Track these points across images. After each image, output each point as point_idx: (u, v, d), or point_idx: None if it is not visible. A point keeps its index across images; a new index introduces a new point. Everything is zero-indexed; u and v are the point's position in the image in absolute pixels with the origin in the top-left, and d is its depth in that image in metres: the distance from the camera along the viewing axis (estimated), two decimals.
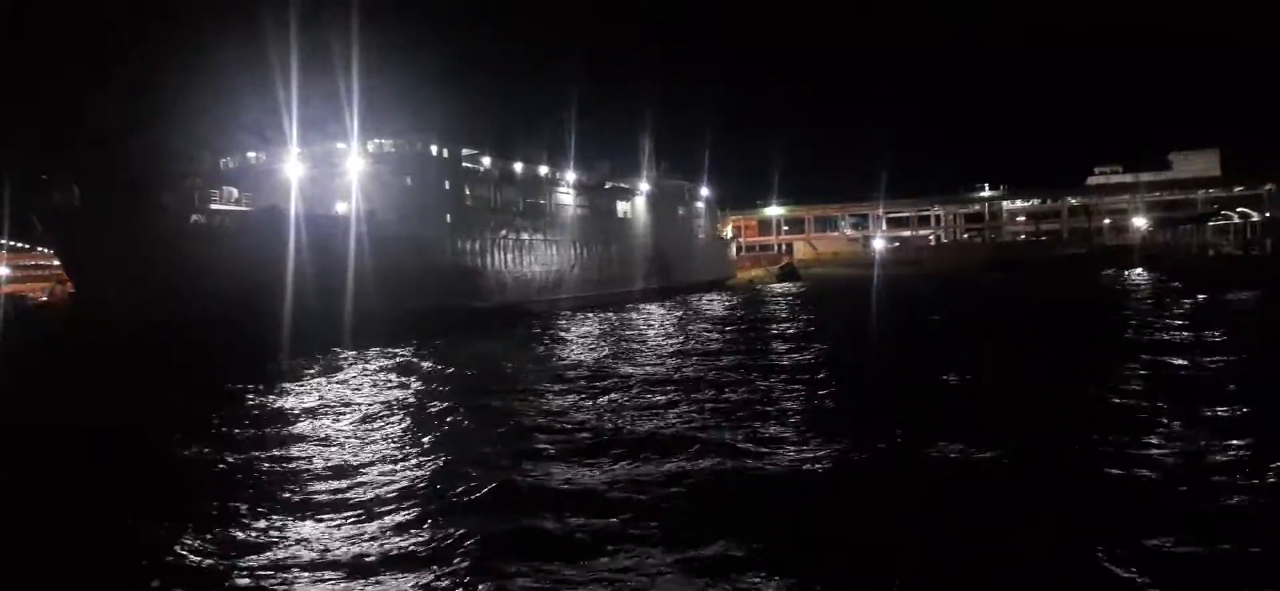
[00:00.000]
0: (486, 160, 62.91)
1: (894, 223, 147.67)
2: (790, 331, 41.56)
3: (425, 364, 31.72)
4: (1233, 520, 11.62)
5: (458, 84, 68.38)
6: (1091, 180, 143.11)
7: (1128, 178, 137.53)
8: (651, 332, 43.76)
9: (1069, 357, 28.42)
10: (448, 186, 57.35)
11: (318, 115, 52.48)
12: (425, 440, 18.25)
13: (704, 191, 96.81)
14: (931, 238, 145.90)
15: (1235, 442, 15.30)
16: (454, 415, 20.80)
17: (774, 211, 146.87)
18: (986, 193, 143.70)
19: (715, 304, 66.56)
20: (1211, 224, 78.82)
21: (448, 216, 56.62)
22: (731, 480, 14.37)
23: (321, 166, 54.61)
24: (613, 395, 23.33)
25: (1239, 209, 77.89)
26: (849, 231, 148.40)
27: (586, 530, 11.99)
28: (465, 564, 10.85)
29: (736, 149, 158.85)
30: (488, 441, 17.80)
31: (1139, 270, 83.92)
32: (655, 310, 61.35)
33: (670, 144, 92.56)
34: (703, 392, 23.27)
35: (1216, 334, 31.70)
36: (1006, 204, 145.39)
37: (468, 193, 59.62)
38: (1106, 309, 48.13)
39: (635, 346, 36.70)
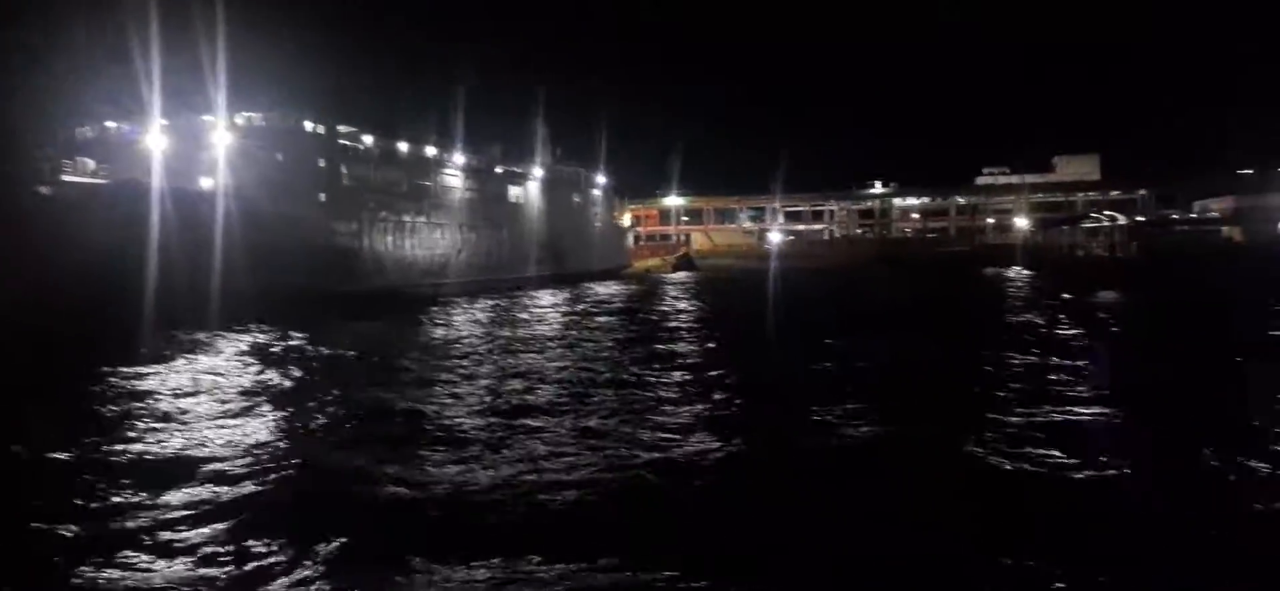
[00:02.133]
0: (367, 139, 60.87)
1: (790, 216, 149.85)
2: (683, 319, 41.49)
3: (293, 347, 30.24)
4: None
5: (342, 61, 65.91)
6: (980, 180, 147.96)
7: (1014, 179, 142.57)
8: (540, 320, 42.73)
9: (944, 350, 29.00)
10: (322, 164, 55.24)
11: (183, 85, 49.98)
12: (288, 429, 17.19)
13: (601, 179, 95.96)
14: (826, 232, 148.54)
15: (1077, 432, 16.26)
16: (317, 404, 19.73)
17: (673, 202, 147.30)
18: (879, 189, 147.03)
19: (610, 292, 65.89)
20: (1084, 226, 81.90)
21: (322, 195, 54.55)
22: (621, 478, 13.51)
23: (186, 140, 51.92)
24: (491, 382, 22.58)
25: (1108, 212, 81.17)
26: (747, 224, 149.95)
27: (459, 531, 11.21)
28: (324, 564, 10.08)
29: (637, 139, 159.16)
30: (355, 431, 16.83)
31: (1017, 269, 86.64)
32: (546, 297, 60.28)
33: (568, 131, 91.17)
34: (588, 378, 22.69)
35: (1076, 331, 32.62)
36: (898, 201, 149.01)
37: (345, 171, 57.56)
38: (982, 305, 49.34)
39: (522, 333, 35.58)
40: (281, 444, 16.03)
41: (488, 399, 20.37)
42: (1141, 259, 62.72)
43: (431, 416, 18.15)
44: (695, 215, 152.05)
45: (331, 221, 55.27)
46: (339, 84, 59.43)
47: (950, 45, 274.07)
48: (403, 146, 63.68)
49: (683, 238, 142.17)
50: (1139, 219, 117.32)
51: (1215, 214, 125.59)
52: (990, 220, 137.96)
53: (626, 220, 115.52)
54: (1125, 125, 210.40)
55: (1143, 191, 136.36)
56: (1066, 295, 50.14)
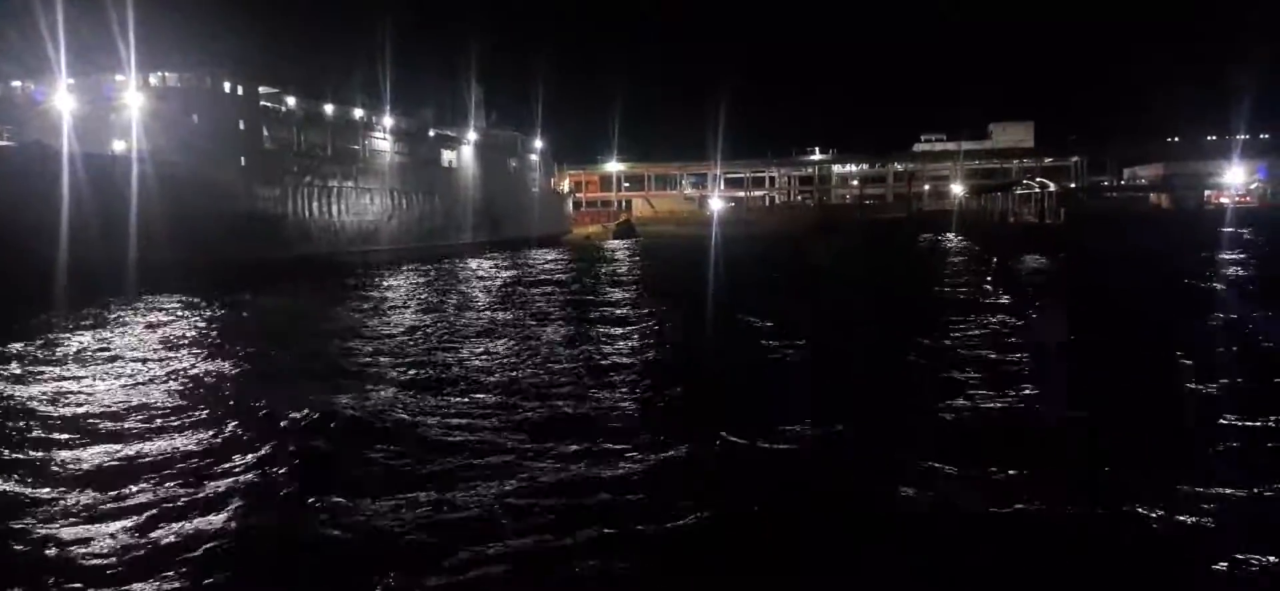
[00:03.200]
0: (291, 100, 59.10)
1: (732, 183, 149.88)
2: (624, 287, 41.10)
3: (211, 317, 29.15)
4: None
5: (264, 19, 63.59)
6: (917, 147, 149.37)
7: (950, 145, 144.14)
8: (474, 288, 41.63)
9: (877, 318, 28.79)
10: (242, 126, 53.42)
11: (91, 42, 47.79)
12: (206, 404, 16.15)
13: (538, 144, 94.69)
14: (766, 199, 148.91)
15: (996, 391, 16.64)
16: (234, 377, 18.83)
17: (614, 167, 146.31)
18: (818, 156, 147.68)
19: (548, 259, 64.99)
20: (1016, 192, 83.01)
21: (242, 159, 52.83)
22: (566, 472, 12.19)
23: (96, 101, 49.90)
24: (417, 356, 21.64)
25: (1038, 179, 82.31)
26: (688, 190, 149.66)
27: (381, 525, 10.19)
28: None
29: (578, 104, 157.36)
30: (273, 410, 15.35)
31: (953, 235, 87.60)
32: (482, 264, 59.24)
33: (505, 95, 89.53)
34: (526, 352, 21.97)
35: (1004, 297, 32.81)
36: (837, 168, 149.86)
37: (267, 134, 55.81)
38: (915, 271, 49.70)
39: (453, 303, 34.46)
40: (210, 419, 15.03)
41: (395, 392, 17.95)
42: (1068, 225, 63.68)
43: (333, 414, 16.40)
44: (637, 181, 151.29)
45: (253, 186, 53.62)
46: (260, 43, 57.31)
47: (891, 10, 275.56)
48: (329, 108, 61.96)
49: (624, 204, 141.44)
50: (1071, 185, 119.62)
51: (1144, 181, 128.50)
52: (927, 187, 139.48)
53: (566, 186, 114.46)
54: (1060, 93, 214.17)
55: (1075, 158, 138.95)
56: (994, 260, 50.70)
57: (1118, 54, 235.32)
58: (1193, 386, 16.49)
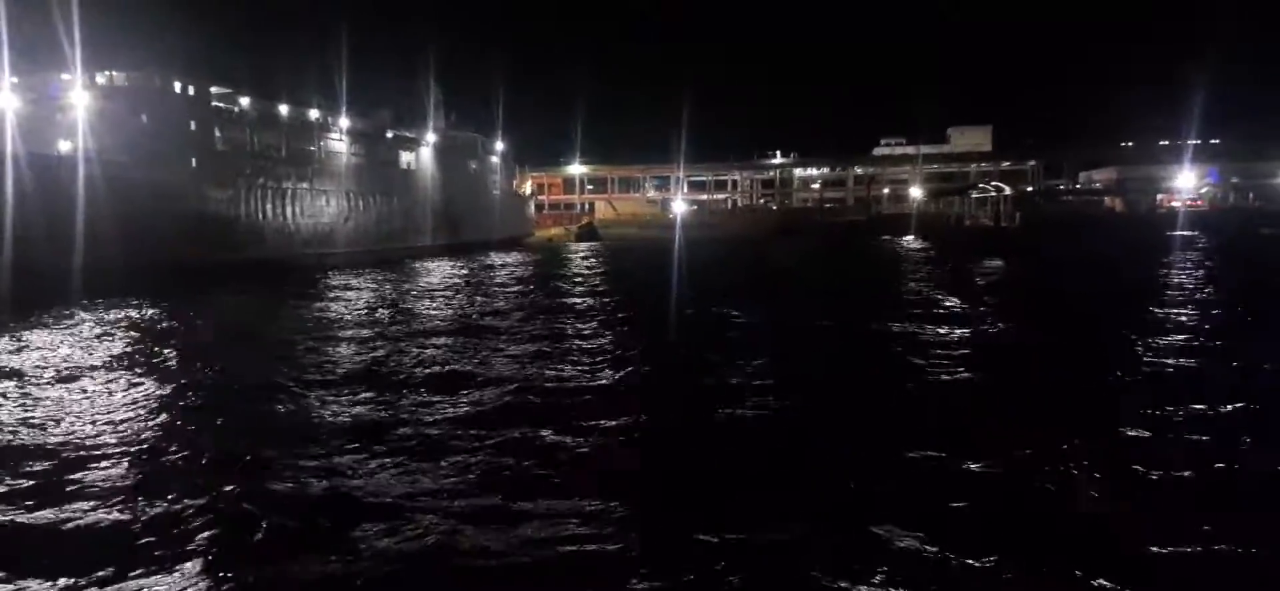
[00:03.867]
0: (244, 100, 58.11)
1: (695, 186, 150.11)
2: (588, 288, 41.27)
3: (160, 323, 28.52)
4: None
5: (217, 18, 62.67)
6: (877, 151, 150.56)
7: (909, 149, 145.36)
8: (431, 293, 40.90)
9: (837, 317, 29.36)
10: (193, 127, 52.41)
11: (36, 39, 46.71)
12: (155, 412, 15.80)
13: (499, 146, 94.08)
14: (729, 202, 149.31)
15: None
16: (185, 386, 18.21)
17: (577, 170, 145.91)
18: (779, 160, 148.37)
19: (509, 262, 64.52)
20: (974, 196, 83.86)
21: (193, 160, 51.85)
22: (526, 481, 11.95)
23: (41, 100, 48.74)
24: (373, 364, 21.04)
25: (994, 183, 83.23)
26: (651, 193, 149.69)
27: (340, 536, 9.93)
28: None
29: (541, 106, 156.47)
30: (225, 419, 15.31)
31: (911, 238, 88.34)
32: (441, 267, 58.70)
33: (466, 94, 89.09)
34: (486, 354, 21.85)
35: (961, 303, 33.00)
36: (798, 171, 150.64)
37: (218, 135, 54.86)
38: (875, 273, 50.03)
39: (410, 309, 33.73)
40: (160, 428, 14.65)
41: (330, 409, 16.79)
42: (1023, 228, 64.46)
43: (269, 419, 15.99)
44: (600, 184, 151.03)
45: (204, 188, 52.63)
46: (214, 43, 56.51)
47: (854, 13, 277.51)
48: (284, 109, 61.02)
49: (586, 206, 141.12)
50: (1027, 189, 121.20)
51: (1098, 184, 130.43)
52: (886, 190, 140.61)
53: (527, 188, 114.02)
54: (1018, 97, 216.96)
55: (1032, 162, 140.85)
56: (949, 264, 51.21)
57: (1075, 59, 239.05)
58: (1124, 380, 17.41)
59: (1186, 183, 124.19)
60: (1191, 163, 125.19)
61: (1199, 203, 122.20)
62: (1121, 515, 10.20)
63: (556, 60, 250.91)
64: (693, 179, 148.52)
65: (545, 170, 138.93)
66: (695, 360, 20.63)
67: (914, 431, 13.65)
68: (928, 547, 9.20)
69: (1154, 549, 9.21)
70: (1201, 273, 42.99)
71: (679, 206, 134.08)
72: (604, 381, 18.37)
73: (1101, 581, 8.40)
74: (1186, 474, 11.57)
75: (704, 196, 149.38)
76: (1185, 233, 73.53)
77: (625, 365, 19.94)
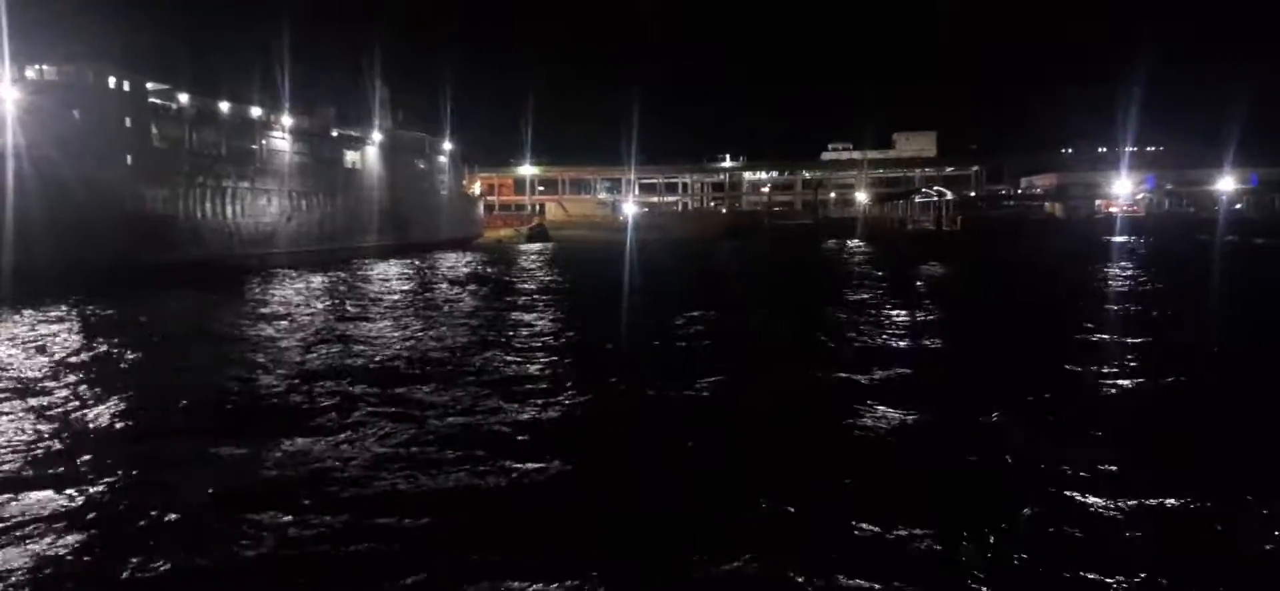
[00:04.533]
0: (183, 97, 57.10)
1: (646, 188, 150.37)
2: (538, 287, 41.34)
3: (93, 326, 27.90)
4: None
5: (154, 10, 61.20)
6: (825, 155, 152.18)
7: (856, 154, 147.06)
8: (374, 293, 40.41)
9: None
10: (129, 123, 51.38)
11: None
12: (83, 425, 15.26)
13: (448, 145, 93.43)
14: (679, 204, 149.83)
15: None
16: (113, 396, 17.54)
17: (528, 171, 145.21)
18: (728, 163, 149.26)
19: (457, 263, 64.10)
20: (917, 200, 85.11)
21: (128, 157, 50.80)
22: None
23: None
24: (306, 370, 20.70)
25: (936, 188, 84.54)
26: (603, 195, 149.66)
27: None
28: None
29: (492, 107, 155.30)
30: (158, 433, 14.74)
31: (857, 241, 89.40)
32: (386, 268, 58.09)
33: (414, 93, 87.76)
34: (426, 356, 21.70)
35: (900, 311, 33.51)
36: (748, 175, 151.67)
37: (155, 132, 53.81)
38: (813, 277, 50.54)
39: (351, 312, 33.06)
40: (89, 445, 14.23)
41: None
42: (963, 232, 65.61)
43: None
44: (551, 185, 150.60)
45: (140, 186, 51.61)
46: (151, 37, 55.16)
47: (801, 19, 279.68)
48: (224, 106, 60.04)
49: (537, 208, 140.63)
50: (971, 194, 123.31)
51: (1039, 190, 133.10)
52: (833, 194, 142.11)
53: (477, 188, 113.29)
54: (962, 103, 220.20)
55: (976, 167, 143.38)
56: (890, 267, 51.97)
57: (1018, 66, 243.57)
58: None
59: (1123, 189, 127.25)
60: (1129, 169, 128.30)
61: (1136, 208, 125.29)
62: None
63: (508, 60, 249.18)
64: (644, 181, 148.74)
65: (496, 171, 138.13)
66: (636, 387, 18.78)
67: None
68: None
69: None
70: (1130, 280, 44.06)
71: (630, 208, 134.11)
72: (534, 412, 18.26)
73: None
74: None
75: (655, 198, 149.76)
76: (1122, 238, 75.36)
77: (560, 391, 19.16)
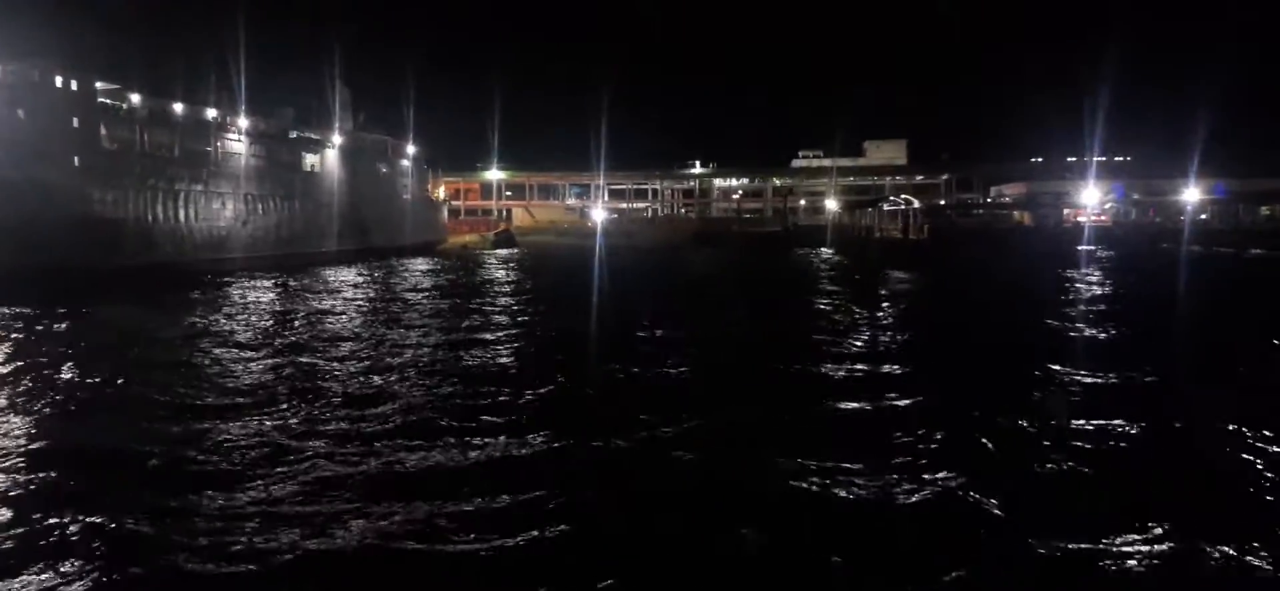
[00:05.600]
0: (134, 97, 55.65)
1: (615, 194, 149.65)
2: (505, 294, 40.83)
3: (35, 334, 26.65)
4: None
5: (105, 8, 59.70)
6: (796, 163, 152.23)
7: (826, 162, 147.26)
8: (331, 302, 39.04)
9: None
10: (77, 124, 49.93)
11: None
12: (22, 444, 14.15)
13: (411, 148, 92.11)
14: (649, 210, 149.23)
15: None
16: (57, 416, 16.41)
17: (495, 176, 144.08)
18: (698, 170, 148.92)
19: (419, 269, 62.86)
20: (885, 208, 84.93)
21: (76, 159, 49.33)
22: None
23: None
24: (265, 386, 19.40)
25: (904, 196, 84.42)
26: (571, 201, 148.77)
27: None
28: None
29: (460, 112, 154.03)
30: (103, 456, 13.73)
31: (827, 250, 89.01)
32: (345, 274, 56.66)
33: (377, 96, 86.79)
34: (384, 364, 21.03)
35: (864, 313, 32.99)
36: (718, 182, 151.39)
37: (104, 133, 52.33)
38: (781, 286, 49.97)
39: (307, 320, 31.86)
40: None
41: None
42: (931, 241, 65.40)
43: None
44: (519, 191, 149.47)
45: (89, 189, 50.14)
46: (102, 36, 53.81)
47: (775, 22, 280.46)
48: (177, 107, 58.58)
49: (504, 213, 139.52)
50: (941, 202, 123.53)
51: (1008, 199, 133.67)
52: (803, 202, 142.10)
53: (441, 193, 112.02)
54: (932, 112, 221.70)
55: (946, 176, 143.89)
56: (857, 276, 51.49)
57: (987, 75, 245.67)
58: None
59: (1092, 198, 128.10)
60: (1098, 179, 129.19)
61: (1104, 217, 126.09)
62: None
63: (475, 66, 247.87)
64: (613, 187, 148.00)
65: (462, 176, 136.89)
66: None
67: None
68: None
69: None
70: (1092, 289, 43.82)
71: (599, 214, 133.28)
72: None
73: None
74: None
75: (624, 205, 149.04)
76: (1088, 247, 75.46)
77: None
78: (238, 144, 63.81)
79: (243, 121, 64.21)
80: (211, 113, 61.53)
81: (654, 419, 15.49)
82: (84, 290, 37.16)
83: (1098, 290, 42.47)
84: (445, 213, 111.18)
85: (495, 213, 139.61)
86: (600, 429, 14.86)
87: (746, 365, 22.09)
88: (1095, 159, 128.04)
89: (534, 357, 22.68)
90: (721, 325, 30.96)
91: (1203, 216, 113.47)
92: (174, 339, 26.58)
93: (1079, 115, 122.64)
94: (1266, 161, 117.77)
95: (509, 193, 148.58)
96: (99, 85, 52.63)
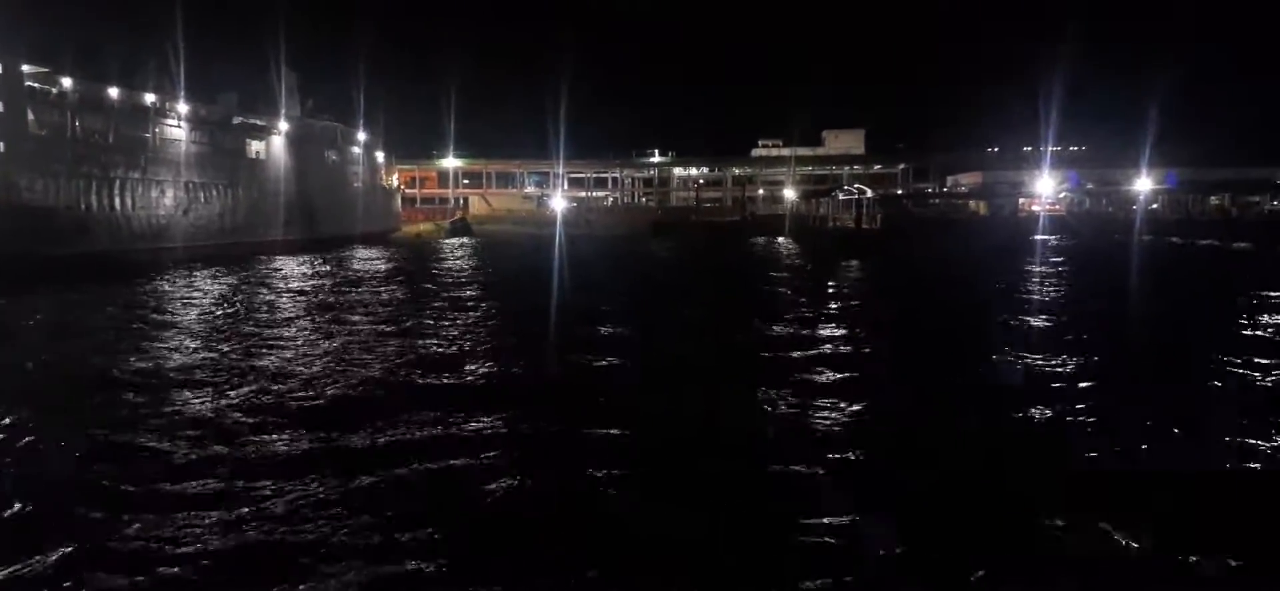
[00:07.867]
0: (66, 81, 53.73)
1: (575, 183, 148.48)
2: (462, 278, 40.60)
3: None
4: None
5: None
6: (755, 152, 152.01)
7: (786, 151, 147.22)
8: (273, 296, 37.43)
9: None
10: (2, 108, 48.07)
11: None
12: None
13: (362, 135, 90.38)
14: (609, 199, 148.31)
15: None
16: None
17: (451, 164, 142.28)
18: (658, 159, 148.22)
19: (370, 258, 61.35)
20: (839, 197, 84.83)
21: (1, 145, 47.52)
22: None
23: None
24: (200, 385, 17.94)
25: (858, 186, 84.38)
26: (530, 188, 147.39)
27: None
28: None
29: (415, 99, 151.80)
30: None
31: (784, 239, 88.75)
32: (289, 265, 55.00)
33: (328, 81, 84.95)
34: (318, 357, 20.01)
35: (807, 306, 32.45)
36: (678, 170, 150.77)
37: (33, 118, 50.45)
38: (735, 275, 49.46)
39: (247, 313, 29.97)
40: None
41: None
42: (883, 231, 65.29)
43: None
44: (476, 178, 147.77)
45: (15, 176, 48.33)
46: (29, 17, 51.72)
47: (735, 10, 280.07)
48: (113, 92, 56.68)
49: (461, 201, 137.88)
50: (897, 192, 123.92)
51: (964, 188, 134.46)
52: (762, 191, 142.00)
53: (395, 181, 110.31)
54: (889, 102, 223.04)
55: (903, 165, 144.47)
56: (810, 266, 51.13)
57: (944, 65, 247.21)
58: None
59: (1046, 187, 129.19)
60: (1052, 168, 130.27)
61: (1058, 206, 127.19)
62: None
63: (430, 50, 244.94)
64: (573, 175, 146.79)
65: (418, 164, 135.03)
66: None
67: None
68: None
69: None
70: (1036, 282, 43.70)
71: (558, 203, 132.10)
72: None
73: None
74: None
75: (584, 193, 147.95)
76: (1042, 237, 75.83)
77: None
78: (178, 130, 61.96)
79: (183, 107, 62.38)
80: (150, 98, 59.66)
81: (603, 401, 15.73)
82: (7, 280, 35.66)
83: (1039, 295, 42.32)
84: (399, 201, 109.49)
85: (452, 201, 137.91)
86: (548, 410, 14.88)
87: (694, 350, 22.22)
88: (1050, 148, 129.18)
89: (472, 351, 21.72)
90: (672, 316, 30.36)
91: (1153, 206, 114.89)
92: (96, 326, 25.48)
93: (1035, 104, 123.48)
94: (1217, 151, 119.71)
95: (466, 181, 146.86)
96: (26, 68, 50.70)
